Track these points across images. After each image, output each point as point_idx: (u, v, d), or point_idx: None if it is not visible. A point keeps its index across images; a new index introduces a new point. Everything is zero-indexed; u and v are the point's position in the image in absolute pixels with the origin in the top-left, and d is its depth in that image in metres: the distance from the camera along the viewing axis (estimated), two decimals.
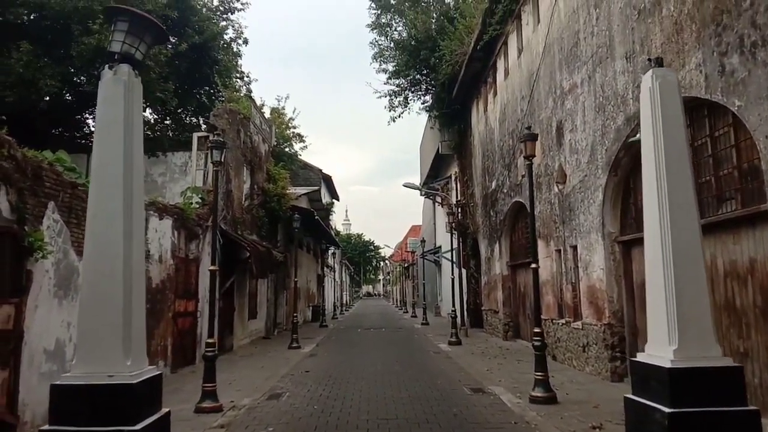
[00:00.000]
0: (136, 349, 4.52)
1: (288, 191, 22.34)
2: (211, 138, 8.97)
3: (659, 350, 4.82)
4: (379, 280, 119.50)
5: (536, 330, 8.58)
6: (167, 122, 23.09)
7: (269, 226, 21.66)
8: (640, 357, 5.07)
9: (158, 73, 19.20)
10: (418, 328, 25.55)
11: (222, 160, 9.09)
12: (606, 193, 10.45)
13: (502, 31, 17.22)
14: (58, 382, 4.40)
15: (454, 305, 19.01)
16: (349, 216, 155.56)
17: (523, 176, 15.81)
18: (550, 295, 13.52)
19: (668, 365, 4.63)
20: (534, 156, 9.14)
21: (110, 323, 4.38)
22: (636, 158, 9.85)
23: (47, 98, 17.97)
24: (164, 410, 4.81)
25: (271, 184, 21.59)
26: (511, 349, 15.86)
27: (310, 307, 32.88)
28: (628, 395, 5.10)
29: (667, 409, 4.50)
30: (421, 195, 36.57)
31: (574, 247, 12.08)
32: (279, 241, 23.28)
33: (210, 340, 8.75)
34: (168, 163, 22.38)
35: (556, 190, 13.06)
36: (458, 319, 19.12)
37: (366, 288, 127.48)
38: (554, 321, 13.24)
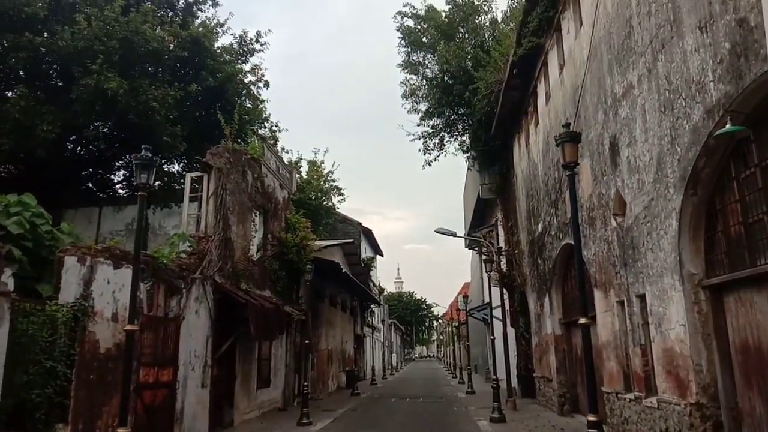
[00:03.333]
0: None
1: (310, 242, 20.07)
2: (137, 155, 6.78)
3: None
4: (433, 340, 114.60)
5: (591, 418, 5.70)
6: (181, 171, 21.61)
7: (287, 281, 19.36)
8: None
9: (164, 115, 17.74)
10: (462, 398, 22.25)
11: (150, 183, 6.85)
12: (682, 220, 7.61)
13: (541, 47, 14.85)
14: None
15: (495, 372, 15.92)
16: (404, 275, 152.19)
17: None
18: (613, 361, 10.45)
19: None
20: (576, 164, 6.54)
21: None
22: (723, 168, 7.07)
23: (46, 146, 16.67)
24: None
25: (289, 234, 19.44)
26: (567, 430, 12.64)
27: (345, 372, 29.99)
28: None
29: None
30: (466, 247, 33.75)
31: (642, 297, 9.14)
32: (301, 297, 20.88)
33: None
34: (182, 214, 20.69)
35: (613, 224, 10.24)
36: (502, 389, 15.97)
37: (420, 349, 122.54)
38: (620, 395, 10.13)
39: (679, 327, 7.71)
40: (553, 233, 14.97)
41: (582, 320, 5.99)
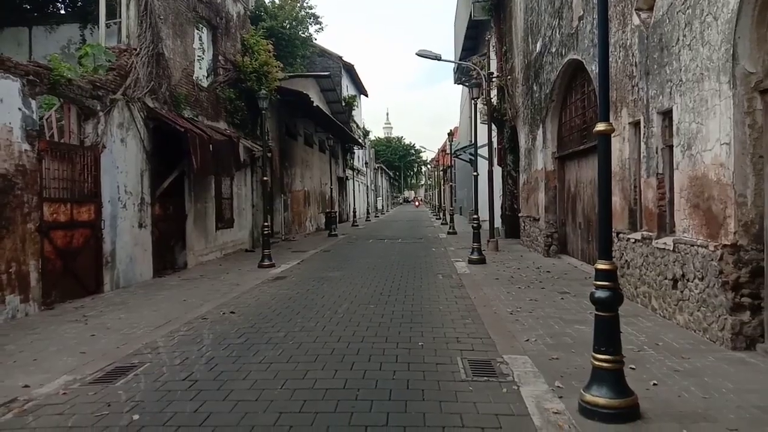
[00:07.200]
0: None
1: (273, 68, 17.44)
2: None
3: None
4: (422, 185, 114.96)
5: (601, 266, 3.91)
6: None
7: (248, 114, 17.04)
8: None
9: None
10: (442, 239, 21.18)
11: None
12: None
13: None
14: None
15: (476, 211, 14.36)
16: (399, 122, 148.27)
17: (580, 18, 10.53)
18: (617, 196, 8.68)
19: None
20: None
21: None
22: None
23: None
24: None
25: (246, 58, 16.76)
26: (554, 272, 11.31)
27: (325, 214, 28.83)
28: None
29: None
30: (455, 82, 31.00)
31: (666, 113, 7.11)
32: (267, 133, 18.75)
33: None
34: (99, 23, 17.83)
35: (636, 21, 7.88)
36: (483, 230, 14.56)
37: (408, 193, 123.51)
38: (622, 235, 8.50)
39: (719, 147, 5.74)
40: (554, 50, 12.53)
41: (601, 126, 3.98)
